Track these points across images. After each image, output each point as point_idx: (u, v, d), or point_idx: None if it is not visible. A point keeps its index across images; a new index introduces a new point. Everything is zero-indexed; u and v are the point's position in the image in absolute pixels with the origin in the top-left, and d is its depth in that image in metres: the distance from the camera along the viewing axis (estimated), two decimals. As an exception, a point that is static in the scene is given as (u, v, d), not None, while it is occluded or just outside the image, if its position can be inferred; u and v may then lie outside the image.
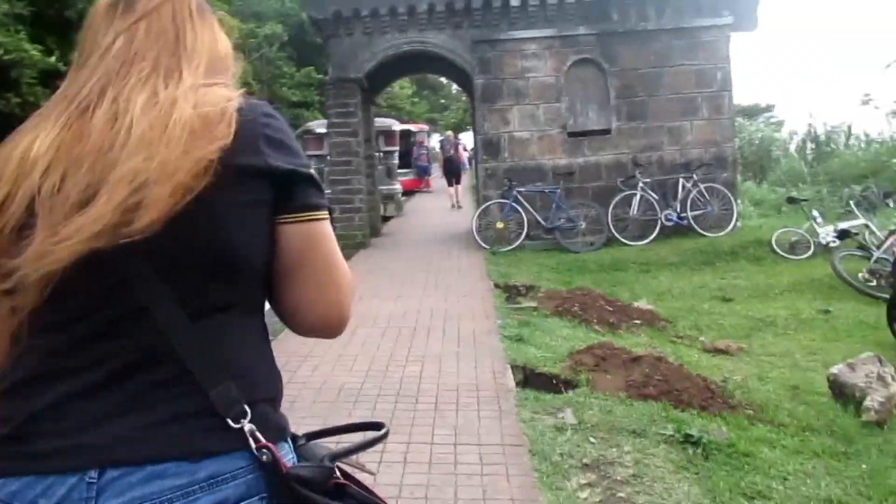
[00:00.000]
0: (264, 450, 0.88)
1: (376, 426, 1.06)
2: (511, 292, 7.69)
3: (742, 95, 37.83)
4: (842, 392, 4.75)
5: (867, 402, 4.52)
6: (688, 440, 3.85)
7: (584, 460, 3.55)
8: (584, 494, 3.22)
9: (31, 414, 0.85)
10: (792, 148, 20.71)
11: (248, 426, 0.88)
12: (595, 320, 6.59)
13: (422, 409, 4.20)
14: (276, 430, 0.93)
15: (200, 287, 0.89)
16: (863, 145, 18.61)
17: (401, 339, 5.80)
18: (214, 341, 0.89)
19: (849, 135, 19.36)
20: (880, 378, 4.68)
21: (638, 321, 6.85)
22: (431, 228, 13.97)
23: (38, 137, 0.88)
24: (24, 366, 0.87)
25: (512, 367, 5.00)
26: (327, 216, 1.00)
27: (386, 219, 15.81)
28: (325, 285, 0.98)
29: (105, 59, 0.92)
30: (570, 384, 4.84)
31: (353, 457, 1.00)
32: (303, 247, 0.96)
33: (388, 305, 7.03)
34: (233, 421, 0.87)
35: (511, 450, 3.62)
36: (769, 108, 36.06)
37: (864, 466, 3.84)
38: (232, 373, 0.89)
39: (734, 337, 6.77)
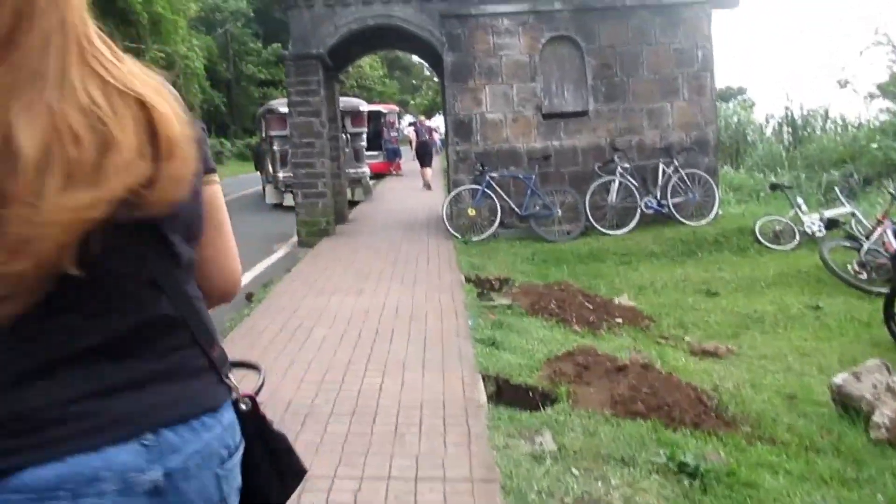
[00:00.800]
0: (246, 399, 1.02)
1: (252, 367, 1.18)
2: (483, 286, 7.15)
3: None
4: (847, 404, 4.30)
5: (876, 418, 4.08)
6: (682, 469, 3.35)
7: (566, 499, 3.04)
8: (567, 547, 2.70)
9: (57, 399, 0.83)
10: (768, 132, 20.41)
11: (233, 381, 1.00)
12: (574, 319, 6.08)
13: (379, 433, 3.65)
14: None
15: (183, 253, 0.94)
16: (840, 129, 18.35)
17: (361, 342, 5.23)
18: (197, 304, 0.96)
19: (826, 118, 19.08)
20: (889, 389, 4.24)
21: (619, 320, 6.37)
22: (400, 214, 13.38)
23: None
24: (32, 352, 0.82)
25: (484, 378, 4.46)
26: None
27: (353, 203, 15.19)
28: (227, 248, 1.05)
29: (51, 39, 0.80)
30: (548, 397, 4.33)
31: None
32: (211, 209, 1.01)
33: (349, 302, 6.46)
34: (225, 377, 0.98)
35: (481, 487, 3.09)
36: (741, 91, 35.90)
37: (879, 497, 3.39)
38: (212, 332, 0.98)
39: (721, 336, 6.33)
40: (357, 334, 5.42)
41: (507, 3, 10.25)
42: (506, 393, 4.43)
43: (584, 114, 10.40)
